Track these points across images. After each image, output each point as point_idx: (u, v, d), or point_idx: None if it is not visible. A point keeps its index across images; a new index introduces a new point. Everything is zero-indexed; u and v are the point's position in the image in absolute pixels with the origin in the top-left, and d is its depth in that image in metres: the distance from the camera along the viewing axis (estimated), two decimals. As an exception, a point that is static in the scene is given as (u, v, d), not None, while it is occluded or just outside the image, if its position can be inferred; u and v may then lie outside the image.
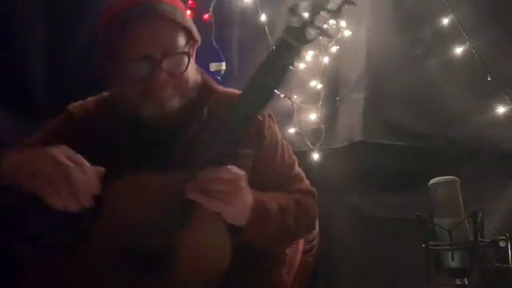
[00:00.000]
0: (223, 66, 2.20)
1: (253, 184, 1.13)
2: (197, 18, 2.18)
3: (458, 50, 2.14)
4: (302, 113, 2.26)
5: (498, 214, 2.03)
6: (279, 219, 1.16)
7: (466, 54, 2.13)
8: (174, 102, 1.15)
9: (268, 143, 1.27)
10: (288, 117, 2.25)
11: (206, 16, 2.18)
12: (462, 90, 2.17)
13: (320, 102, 2.27)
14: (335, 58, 2.29)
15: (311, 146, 2.23)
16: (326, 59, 2.27)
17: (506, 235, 1.36)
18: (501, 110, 2.09)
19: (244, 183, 1.07)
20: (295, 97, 2.25)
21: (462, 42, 2.13)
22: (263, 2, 2.25)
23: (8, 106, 1.78)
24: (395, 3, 2.27)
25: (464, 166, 2.02)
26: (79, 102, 1.31)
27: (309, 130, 2.25)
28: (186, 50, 1.15)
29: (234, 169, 1.05)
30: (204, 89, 1.24)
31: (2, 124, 1.76)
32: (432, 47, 2.22)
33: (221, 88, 1.30)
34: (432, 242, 1.42)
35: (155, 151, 1.16)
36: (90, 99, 1.31)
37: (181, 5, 1.19)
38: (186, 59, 1.15)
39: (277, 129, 1.34)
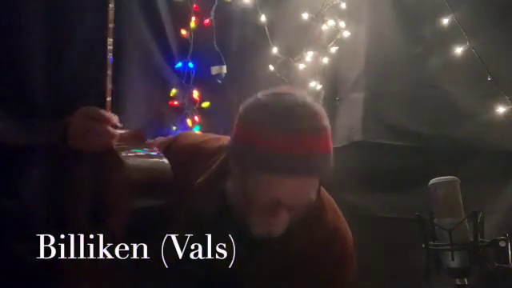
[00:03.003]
0: (224, 69, 2.20)
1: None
2: (200, 22, 2.19)
3: (458, 50, 2.14)
4: (302, 113, 2.26)
5: (497, 214, 2.03)
6: None
7: (466, 53, 2.13)
8: (279, 232, 1.05)
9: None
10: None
11: (207, 21, 2.19)
12: (462, 90, 2.17)
13: (320, 103, 2.27)
14: (335, 59, 2.29)
15: (311, 146, 2.22)
16: (325, 59, 2.27)
17: (506, 235, 1.35)
18: (501, 109, 2.09)
19: None
20: (295, 97, 2.25)
21: (462, 42, 2.13)
22: (263, 2, 2.25)
23: (8, 107, 1.78)
24: (395, 3, 2.27)
25: (464, 165, 2.02)
26: (190, 139, 1.31)
27: (309, 130, 2.25)
28: (316, 195, 1.08)
29: None
30: (313, 215, 1.11)
31: (2, 124, 1.76)
32: (432, 47, 2.22)
33: (329, 219, 1.19)
34: (432, 242, 1.41)
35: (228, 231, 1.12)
36: (201, 141, 1.27)
37: (330, 143, 1.05)
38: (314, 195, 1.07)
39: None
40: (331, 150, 1.05)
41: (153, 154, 1.18)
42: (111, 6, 1.23)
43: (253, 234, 1.05)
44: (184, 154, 1.23)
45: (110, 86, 1.21)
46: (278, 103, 1.02)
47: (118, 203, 1.11)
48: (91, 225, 1.15)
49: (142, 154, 1.16)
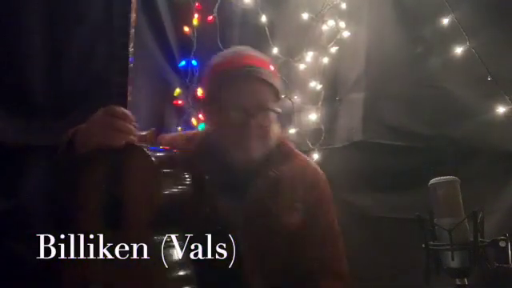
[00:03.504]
0: None
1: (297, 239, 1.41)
2: (202, 20, 2.19)
3: (458, 50, 2.14)
4: (302, 113, 2.26)
5: (497, 214, 2.03)
6: None
7: (466, 53, 2.13)
8: (258, 153, 1.41)
9: (320, 201, 1.51)
10: (288, 117, 2.25)
11: (210, 18, 2.18)
12: (462, 90, 2.17)
13: (320, 103, 2.27)
14: (335, 59, 2.29)
15: (311, 146, 2.23)
16: (325, 59, 2.27)
17: (506, 235, 1.35)
18: (501, 109, 2.08)
19: None
20: (295, 97, 2.25)
21: (462, 42, 2.13)
22: (263, 3, 2.25)
23: (8, 107, 1.78)
24: (395, 3, 2.27)
25: (464, 165, 2.02)
26: (168, 137, 1.62)
27: (309, 130, 2.25)
28: (274, 108, 1.43)
29: None
30: (282, 147, 1.51)
31: (2, 124, 1.76)
32: (432, 47, 2.22)
33: (296, 152, 1.59)
34: (432, 242, 1.41)
35: (229, 186, 1.41)
36: (178, 136, 1.64)
37: (274, 71, 1.50)
38: (273, 115, 1.43)
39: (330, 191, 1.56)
40: (274, 72, 1.47)
41: (166, 151, 1.33)
42: (133, 15, 1.27)
43: (240, 163, 1.40)
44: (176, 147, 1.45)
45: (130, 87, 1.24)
46: (226, 51, 1.51)
47: (146, 198, 1.18)
48: (106, 224, 1.16)
49: (158, 151, 1.27)
